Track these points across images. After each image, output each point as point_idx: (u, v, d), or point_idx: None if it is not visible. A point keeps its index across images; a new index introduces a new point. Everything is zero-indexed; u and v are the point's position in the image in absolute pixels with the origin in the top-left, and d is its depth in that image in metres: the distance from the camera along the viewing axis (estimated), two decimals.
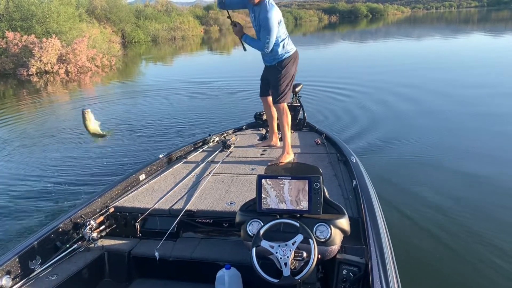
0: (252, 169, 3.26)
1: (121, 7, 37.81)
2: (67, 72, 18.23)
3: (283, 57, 3.52)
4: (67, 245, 2.34)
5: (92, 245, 2.44)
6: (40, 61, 18.02)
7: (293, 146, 3.80)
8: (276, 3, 3.41)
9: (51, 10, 22.04)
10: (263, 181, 2.02)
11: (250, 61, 20.88)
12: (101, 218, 2.54)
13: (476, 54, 15.51)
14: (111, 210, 2.62)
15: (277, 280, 1.77)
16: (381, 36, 31.74)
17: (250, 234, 1.96)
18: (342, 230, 1.93)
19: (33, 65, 17.92)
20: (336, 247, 1.90)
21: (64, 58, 18.72)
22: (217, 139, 4.04)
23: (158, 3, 51.10)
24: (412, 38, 27.71)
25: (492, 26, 34.99)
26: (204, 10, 60.01)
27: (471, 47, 18.97)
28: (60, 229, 2.37)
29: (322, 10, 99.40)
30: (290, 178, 1.99)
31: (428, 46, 21.08)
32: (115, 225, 2.60)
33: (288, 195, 1.99)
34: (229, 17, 3.66)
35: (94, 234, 2.43)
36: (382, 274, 1.71)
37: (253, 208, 2.05)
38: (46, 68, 18.22)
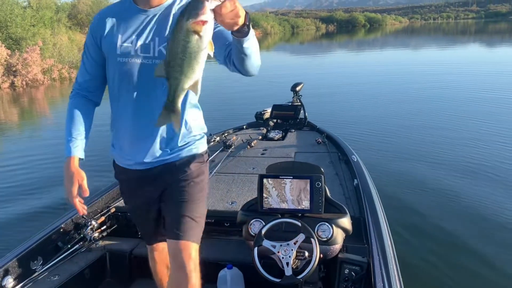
0: (253, 168, 3.25)
1: None
2: (13, 87, 15.32)
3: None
4: (69, 246, 2.34)
5: (94, 245, 2.43)
6: None
7: (294, 145, 3.82)
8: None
9: (14, 13, 19.03)
10: (265, 180, 2.03)
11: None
12: (102, 218, 2.53)
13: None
14: (112, 210, 2.61)
15: (279, 280, 1.78)
16: (378, 46, 32.02)
17: (252, 233, 1.97)
18: (344, 229, 1.94)
19: None
20: (338, 246, 1.91)
21: (14, 69, 15.77)
22: (217, 138, 4.03)
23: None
24: (410, 48, 27.98)
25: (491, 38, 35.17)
26: None
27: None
28: (61, 230, 2.36)
29: (319, 19, 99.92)
30: (291, 177, 2.01)
31: (428, 55, 21.27)
32: (116, 226, 2.59)
33: (289, 194, 2.00)
34: None
35: (96, 235, 2.43)
36: (384, 273, 1.72)
37: (255, 208, 2.06)
38: None
